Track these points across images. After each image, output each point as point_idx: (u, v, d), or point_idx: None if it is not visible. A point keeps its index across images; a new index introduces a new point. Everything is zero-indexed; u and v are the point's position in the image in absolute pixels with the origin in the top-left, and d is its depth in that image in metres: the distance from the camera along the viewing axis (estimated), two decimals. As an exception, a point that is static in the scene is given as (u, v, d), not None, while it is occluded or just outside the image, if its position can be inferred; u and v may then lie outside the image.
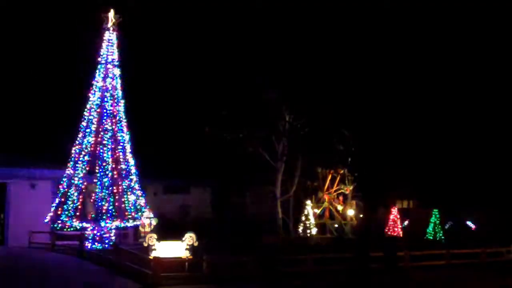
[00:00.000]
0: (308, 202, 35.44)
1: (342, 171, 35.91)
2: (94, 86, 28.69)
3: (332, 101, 27.30)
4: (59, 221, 26.86)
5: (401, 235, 36.64)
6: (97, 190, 27.18)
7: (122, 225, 27.84)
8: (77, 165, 27.66)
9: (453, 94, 28.70)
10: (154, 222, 26.89)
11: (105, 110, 28.35)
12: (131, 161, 28.71)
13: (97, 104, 28.43)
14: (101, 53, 28.94)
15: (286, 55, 31.82)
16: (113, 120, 28.54)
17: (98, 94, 28.56)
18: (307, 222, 34.83)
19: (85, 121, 28.31)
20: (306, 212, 34.95)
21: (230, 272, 20.21)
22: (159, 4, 39.04)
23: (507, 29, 29.76)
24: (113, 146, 28.14)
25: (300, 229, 35.12)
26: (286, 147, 35.42)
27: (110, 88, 28.65)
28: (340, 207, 36.84)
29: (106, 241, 26.69)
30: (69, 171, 27.74)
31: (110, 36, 29.13)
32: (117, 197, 27.54)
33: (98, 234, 27.03)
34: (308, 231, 34.78)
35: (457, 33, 28.76)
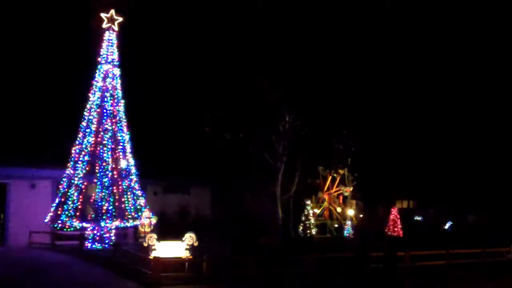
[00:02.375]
0: (308, 202, 35.44)
1: (342, 172, 35.94)
2: (94, 86, 28.72)
3: (332, 101, 27.34)
4: (59, 221, 26.86)
5: (401, 235, 36.56)
6: (97, 190, 27.17)
7: (122, 225, 27.82)
8: (77, 165, 27.66)
9: (454, 95, 28.74)
10: (154, 220, 26.93)
11: (105, 110, 28.37)
12: (131, 161, 28.72)
13: (97, 104, 28.43)
14: (101, 53, 28.98)
15: (287, 55, 31.90)
16: (113, 120, 28.56)
17: (98, 94, 28.58)
18: (307, 222, 34.86)
19: (85, 121, 28.32)
20: (306, 212, 34.97)
21: (230, 272, 20.18)
22: (159, 4, 39.06)
23: (507, 30, 29.78)
24: (113, 146, 28.15)
25: (300, 229, 35.19)
26: (286, 147, 35.41)
27: (110, 88, 28.69)
28: (339, 209, 36.83)
29: (106, 241, 26.68)
30: (69, 171, 27.75)
31: (110, 36, 29.17)
32: (117, 197, 27.53)
33: (98, 234, 27.06)
34: (308, 231, 34.83)
35: (457, 34, 28.78)
